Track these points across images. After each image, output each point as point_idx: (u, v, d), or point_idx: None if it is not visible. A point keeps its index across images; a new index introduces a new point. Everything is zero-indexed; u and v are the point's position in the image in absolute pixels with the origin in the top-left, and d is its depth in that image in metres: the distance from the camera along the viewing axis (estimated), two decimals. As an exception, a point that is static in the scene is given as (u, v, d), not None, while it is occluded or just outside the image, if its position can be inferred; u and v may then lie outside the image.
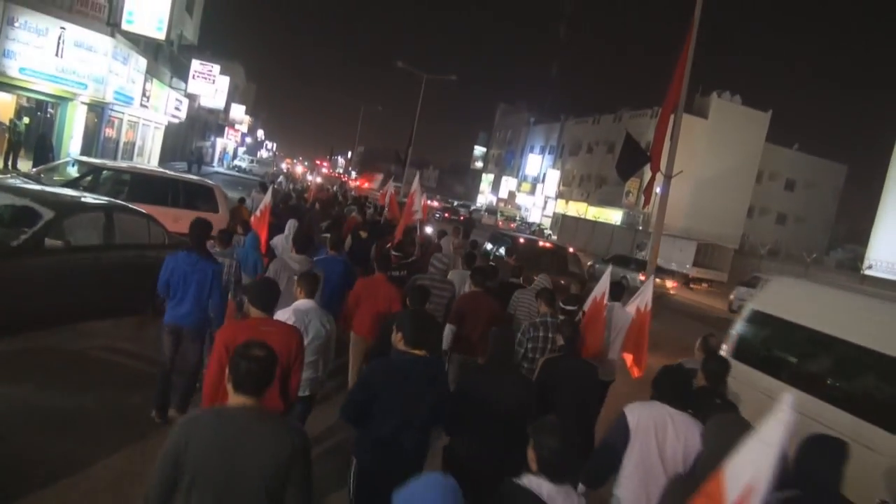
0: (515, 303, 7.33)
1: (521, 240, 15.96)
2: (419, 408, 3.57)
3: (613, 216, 49.60)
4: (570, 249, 15.11)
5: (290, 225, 8.92)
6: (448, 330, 6.20)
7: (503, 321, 6.22)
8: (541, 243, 15.47)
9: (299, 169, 65.46)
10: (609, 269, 7.85)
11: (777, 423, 1.83)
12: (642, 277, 19.62)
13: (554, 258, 15.14)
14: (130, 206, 8.72)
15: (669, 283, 24.07)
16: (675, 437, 3.36)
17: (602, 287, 6.34)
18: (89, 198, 8.49)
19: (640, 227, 42.46)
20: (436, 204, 61.78)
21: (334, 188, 31.26)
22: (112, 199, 8.95)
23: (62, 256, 6.89)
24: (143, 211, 8.77)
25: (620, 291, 6.87)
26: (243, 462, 2.44)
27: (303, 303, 4.79)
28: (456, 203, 65.29)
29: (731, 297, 24.21)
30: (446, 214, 46.42)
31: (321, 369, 4.95)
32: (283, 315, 4.43)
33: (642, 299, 6.55)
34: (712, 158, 44.93)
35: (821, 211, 53.89)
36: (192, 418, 2.59)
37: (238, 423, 2.50)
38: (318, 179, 41.03)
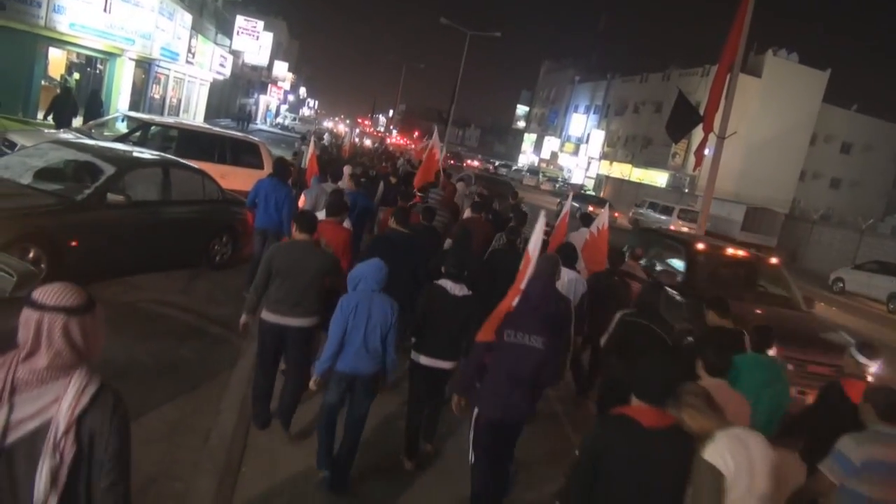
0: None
1: (701, 245, 9.23)
2: (401, 266, 5.35)
3: (658, 178, 48.49)
4: (774, 260, 9.59)
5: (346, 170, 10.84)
6: (447, 244, 7.92)
7: (490, 241, 8.25)
8: (729, 250, 9.31)
9: (342, 127, 65.82)
10: (570, 199, 10.20)
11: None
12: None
13: (743, 272, 9.41)
14: (186, 162, 8.84)
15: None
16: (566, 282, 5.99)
17: (565, 211, 8.75)
18: (147, 154, 8.68)
19: (687, 190, 41.45)
20: (476, 164, 61.42)
21: (374, 144, 33.41)
22: (169, 156, 9.10)
23: (123, 211, 7.07)
24: (198, 167, 8.89)
25: (588, 221, 9.05)
26: (303, 266, 4.72)
27: None
28: (497, 163, 64.67)
29: (631, 213, 32.55)
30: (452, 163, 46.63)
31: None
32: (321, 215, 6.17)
33: (599, 222, 8.28)
34: (765, 119, 43.31)
35: (878, 175, 51.72)
36: (278, 244, 5.14)
37: (300, 246, 4.86)
38: (363, 139, 41.43)
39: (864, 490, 3.32)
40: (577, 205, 24.73)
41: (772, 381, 4.25)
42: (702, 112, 13.12)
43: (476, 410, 4.17)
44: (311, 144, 11.58)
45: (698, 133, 13.22)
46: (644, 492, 2.74)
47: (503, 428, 4.16)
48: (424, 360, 4.72)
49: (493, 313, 4.15)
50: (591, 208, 27.36)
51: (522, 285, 4.17)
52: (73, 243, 6.56)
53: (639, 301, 5.44)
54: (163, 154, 9.28)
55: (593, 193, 48.67)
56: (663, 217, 30.00)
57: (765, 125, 43.30)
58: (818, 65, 47.29)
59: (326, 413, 4.46)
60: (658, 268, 9.42)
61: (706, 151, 13.59)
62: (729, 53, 11.76)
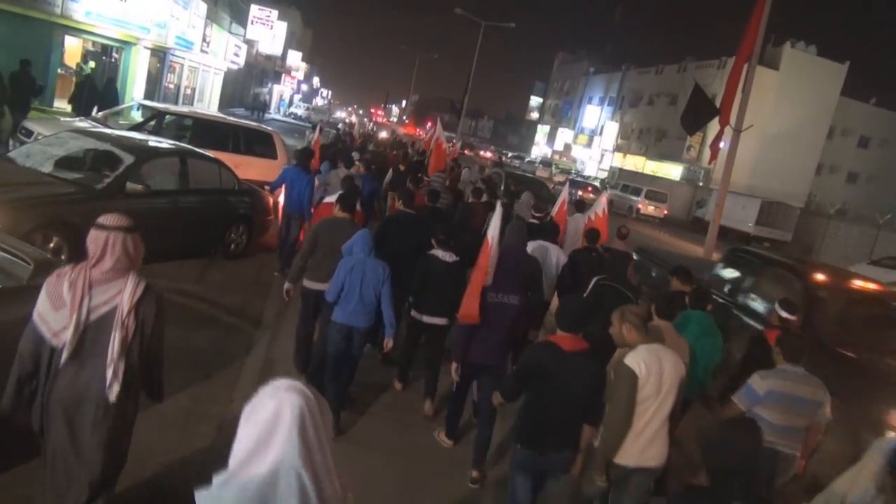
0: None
1: (821, 276, 7.06)
2: (408, 240, 6.52)
3: (672, 171, 48.13)
4: None
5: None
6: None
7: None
8: (857, 283, 7.22)
9: (354, 118, 66.02)
10: (567, 183, 10.95)
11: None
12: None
13: (881, 312, 6.78)
14: (203, 152, 8.90)
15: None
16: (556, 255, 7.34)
17: (562, 197, 9.99)
18: (165, 143, 8.74)
19: (701, 183, 41.12)
20: (489, 154, 61.32)
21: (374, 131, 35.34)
22: (186, 146, 9.14)
23: (142, 200, 7.13)
24: (215, 157, 8.93)
25: (582, 206, 10.55)
26: (341, 238, 5.29)
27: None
28: (510, 154, 64.54)
29: (608, 194, 35.28)
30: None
31: None
32: (333, 199, 6.80)
33: (598, 207, 9.42)
34: (781, 112, 42.82)
35: (896, 170, 51.06)
36: (322, 220, 5.99)
37: (340, 223, 5.78)
38: (375, 129, 41.72)
39: (766, 415, 4.10)
40: (573, 191, 25.30)
41: (708, 332, 5.06)
42: (718, 104, 13.01)
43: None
44: (317, 132, 12.65)
45: (713, 126, 13.10)
46: (563, 396, 3.66)
47: (482, 368, 4.95)
48: (424, 318, 5.68)
49: (466, 293, 4.89)
50: (580, 193, 28.89)
51: (490, 267, 4.93)
52: None
53: (610, 269, 6.56)
54: (180, 143, 9.33)
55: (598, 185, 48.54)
56: (634, 197, 33.95)
57: (781, 118, 42.84)
58: (837, 57, 46.72)
59: (332, 364, 5.10)
60: (761, 306, 7.34)
61: (721, 144, 13.48)
62: (747, 45, 11.63)
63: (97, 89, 16.36)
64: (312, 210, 8.38)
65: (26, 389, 2.81)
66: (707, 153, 36.36)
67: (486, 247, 5.02)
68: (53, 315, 2.75)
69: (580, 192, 29.70)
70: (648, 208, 33.47)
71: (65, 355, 2.73)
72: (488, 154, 62.04)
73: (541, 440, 3.74)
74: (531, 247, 6.87)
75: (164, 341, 3.00)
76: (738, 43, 12.18)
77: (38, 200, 6.31)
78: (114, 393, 2.79)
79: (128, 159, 7.19)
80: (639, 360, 3.60)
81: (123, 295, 2.79)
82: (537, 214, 9.42)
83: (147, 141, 8.49)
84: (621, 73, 61.56)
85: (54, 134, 8.25)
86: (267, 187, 9.66)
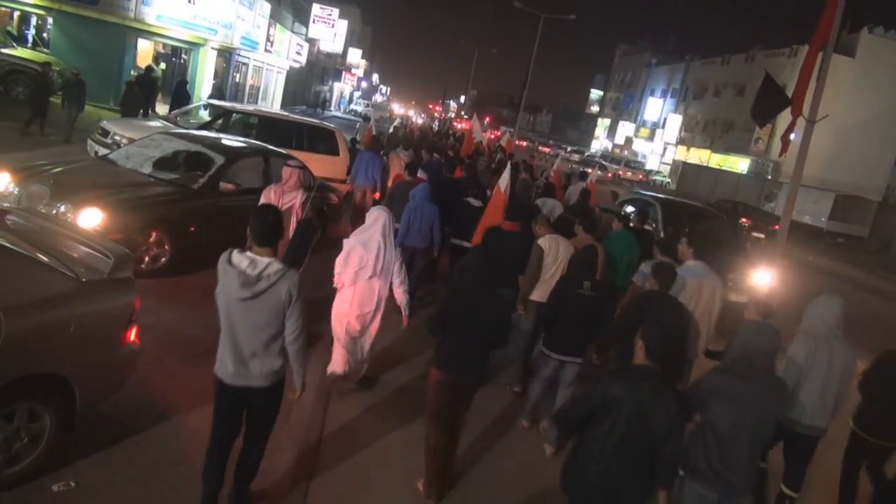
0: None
1: None
2: (453, 195, 8.57)
3: (740, 164, 46.58)
4: None
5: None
6: None
7: None
8: None
9: (411, 113, 66.67)
10: (559, 158, 13.83)
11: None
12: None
13: None
14: (281, 150, 9.20)
15: None
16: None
17: (556, 167, 13.59)
18: (249, 143, 9.19)
19: (770, 177, 39.64)
20: (547, 150, 60.77)
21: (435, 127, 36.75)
22: (267, 146, 9.48)
23: (233, 197, 7.53)
24: (293, 155, 9.19)
25: (585, 176, 13.79)
26: (407, 194, 7.99)
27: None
28: (569, 149, 63.80)
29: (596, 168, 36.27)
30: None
31: None
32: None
33: (592, 177, 12.75)
34: (858, 102, 40.72)
35: (984, 161, 47.88)
36: (396, 183, 9.26)
37: (408, 184, 8.43)
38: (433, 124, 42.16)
39: (649, 284, 5.87)
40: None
41: (628, 246, 7.61)
42: (789, 95, 12.49)
43: None
44: (371, 124, 15.42)
45: (783, 117, 12.59)
46: (505, 255, 5.93)
47: None
48: (456, 241, 8.32)
49: (481, 224, 7.66)
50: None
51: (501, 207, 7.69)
52: (192, 228, 7.09)
53: (573, 208, 9.43)
54: (257, 143, 9.68)
55: (668, 179, 47.46)
56: (614, 165, 44.00)
57: (857, 108, 40.74)
58: (919, 42, 44.05)
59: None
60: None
61: (793, 136, 12.94)
62: (822, 32, 11.13)
63: (185, 90, 17.14)
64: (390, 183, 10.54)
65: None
66: (776, 145, 35.05)
67: (496, 193, 8.00)
68: None
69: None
70: (627, 174, 43.27)
71: None
72: (546, 149, 61.52)
73: (493, 279, 5.30)
74: (540, 202, 9.67)
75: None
76: (809, 30, 11.66)
77: (144, 201, 6.80)
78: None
79: (219, 160, 7.63)
80: (544, 242, 6.32)
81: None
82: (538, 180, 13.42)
83: (229, 140, 8.89)
84: (685, 63, 59.91)
85: (148, 136, 8.73)
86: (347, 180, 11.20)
